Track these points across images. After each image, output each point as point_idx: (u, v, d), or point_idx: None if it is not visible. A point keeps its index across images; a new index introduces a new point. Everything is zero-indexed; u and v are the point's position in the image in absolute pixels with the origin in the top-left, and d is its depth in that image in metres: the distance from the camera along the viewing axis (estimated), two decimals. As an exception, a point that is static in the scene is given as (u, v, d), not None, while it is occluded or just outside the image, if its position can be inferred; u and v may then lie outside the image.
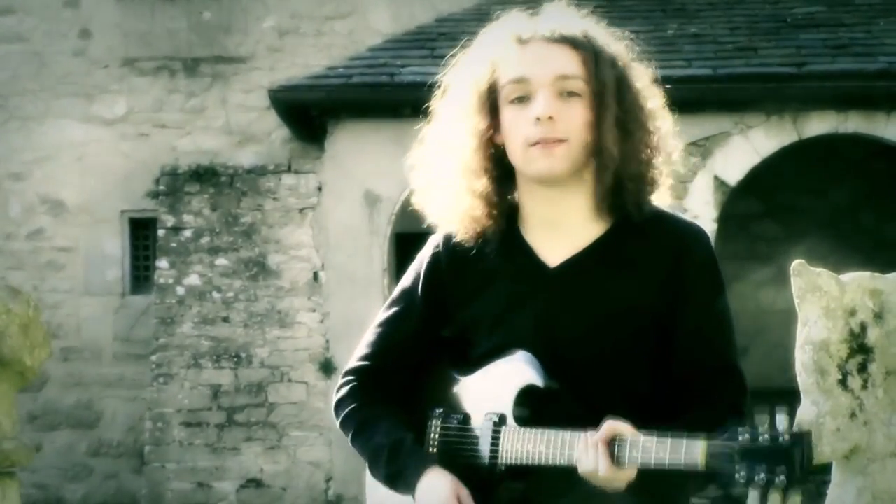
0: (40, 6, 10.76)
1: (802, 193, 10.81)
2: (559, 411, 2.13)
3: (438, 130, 2.30)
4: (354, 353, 2.43)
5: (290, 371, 9.27)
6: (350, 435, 2.36)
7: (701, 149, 8.92)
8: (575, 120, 2.15)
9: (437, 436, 2.28)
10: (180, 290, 9.39)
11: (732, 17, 9.97)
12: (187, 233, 9.47)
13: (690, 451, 1.93)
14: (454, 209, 2.26)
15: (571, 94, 2.16)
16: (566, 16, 2.26)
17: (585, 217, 2.23)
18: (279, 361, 9.29)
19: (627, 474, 2.01)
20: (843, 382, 1.86)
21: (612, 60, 2.21)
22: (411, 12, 10.56)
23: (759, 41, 9.47)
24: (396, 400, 2.36)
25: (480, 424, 2.22)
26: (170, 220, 9.49)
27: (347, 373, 2.41)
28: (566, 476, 2.09)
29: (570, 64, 2.17)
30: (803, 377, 1.87)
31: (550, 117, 2.14)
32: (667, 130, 2.25)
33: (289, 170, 9.56)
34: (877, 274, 1.92)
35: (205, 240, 9.46)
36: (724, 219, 9.19)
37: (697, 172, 8.92)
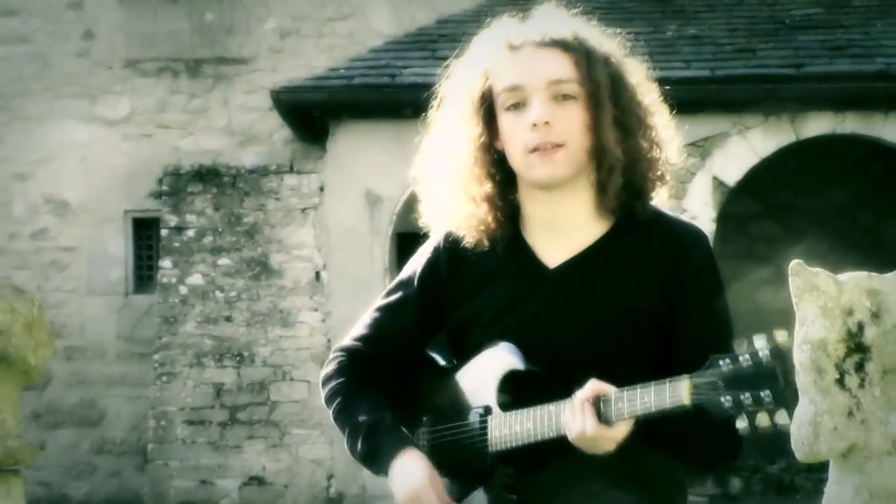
0: (44, 8, 10.73)
1: (801, 193, 10.79)
2: (542, 392, 2.12)
3: (438, 141, 2.29)
4: (350, 331, 2.43)
5: (291, 370, 9.26)
6: (333, 409, 2.35)
7: (700, 149, 8.90)
8: (572, 123, 2.15)
9: (425, 444, 2.30)
10: (183, 290, 9.39)
11: (731, 19, 9.95)
12: (190, 232, 9.46)
13: (675, 391, 1.93)
14: (460, 216, 2.25)
15: (566, 97, 2.16)
16: (556, 18, 2.25)
17: (585, 219, 2.22)
18: (281, 360, 9.28)
19: (616, 433, 2.00)
20: (840, 381, 1.83)
21: (605, 59, 2.20)
22: (412, 14, 10.54)
23: (757, 42, 9.46)
24: (382, 387, 2.35)
25: (468, 420, 2.23)
26: (173, 220, 9.48)
27: (339, 349, 2.42)
28: (565, 475, 2.10)
29: (562, 67, 2.17)
30: (801, 376, 1.85)
31: (547, 122, 2.13)
32: (665, 125, 2.25)
33: (291, 170, 9.55)
34: (874, 274, 1.90)
35: (207, 239, 9.46)
36: (723, 219, 9.17)
37: (696, 173, 8.91)
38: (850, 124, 9.02)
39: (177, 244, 9.47)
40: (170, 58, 10.76)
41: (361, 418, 2.27)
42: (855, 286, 1.86)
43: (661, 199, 2.25)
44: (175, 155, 10.45)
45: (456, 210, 2.25)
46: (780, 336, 1.90)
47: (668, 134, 2.24)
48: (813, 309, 1.85)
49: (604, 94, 2.16)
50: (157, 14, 10.80)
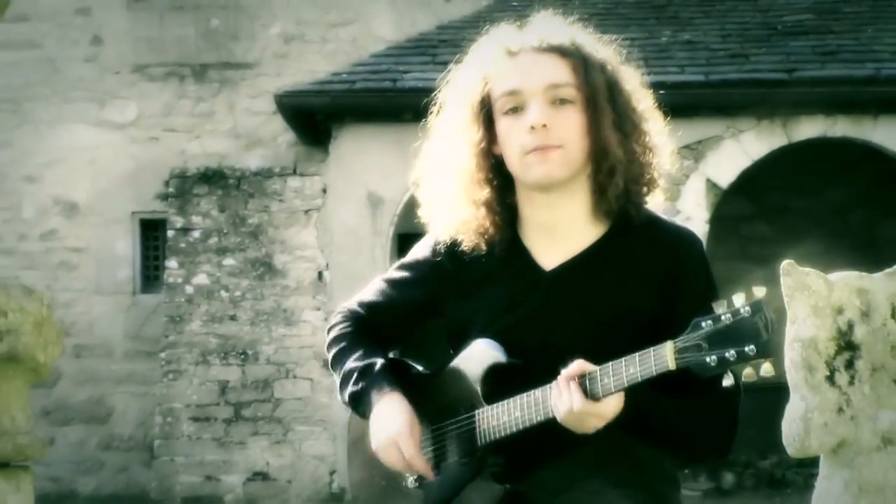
0: (53, 13, 10.70)
1: (793, 195, 10.75)
2: (525, 383, 2.13)
3: (438, 146, 2.30)
4: (356, 295, 2.44)
5: (295, 367, 9.26)
6: (332, 354, 2.37)
7: (693, 152, 8.89)
8: (569, 126, 2.16)
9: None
10: (189, 289, 9.38)
11: (724, 25, 9.93)
12: (196, 233, 9.45)
13: (659, 356, 1.94)
14: (459, 220, 2.25)
15: (564, 101, 2.17)
16: (553, 25, 2.26)
17: (582, 222, 2.23)
18: (285, 358, 9.28)
19: (604, 408, 2.00)
20: (830, 378, 1.86)
21: (602, 65, 2.21)
22: (413, 19, 10.53)
23: (750, 48, 9.45)
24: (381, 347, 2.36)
25: (455, 417, 2.22)
26: (179, 222, 9.48)
27: (346, 308, 2.43)
28: (565, 475, 2.13)
29: (560, 72, 2.17)
30: (792, 373, 1.86)
31: (544, 125, 2.14)
32: (658, 130, 2.25)
33: (294, 172, 9.52)
34: (864, 273, 1.92)
35: (213, 240, 9.45)
36: (716, 220, 9.17)
37: (690, 175, 8.89)
38: (840, 128, 9.01)
39: (183, 245, 9.45)
40: (176, 63, 10.74)
41: (355, 363, 2.29)
42: (845, 285, 1.88)
43: (655, 202, 2.26)
44: (181, 158, 10.45)
45: (455, 214, 2.26)
46: (759, 291, 1.90)
47: (661, 140, 2.25)
48: (804, 308, 1.87)
49: (601, 98, 2.17)
50: (164, 20, 10.78)
